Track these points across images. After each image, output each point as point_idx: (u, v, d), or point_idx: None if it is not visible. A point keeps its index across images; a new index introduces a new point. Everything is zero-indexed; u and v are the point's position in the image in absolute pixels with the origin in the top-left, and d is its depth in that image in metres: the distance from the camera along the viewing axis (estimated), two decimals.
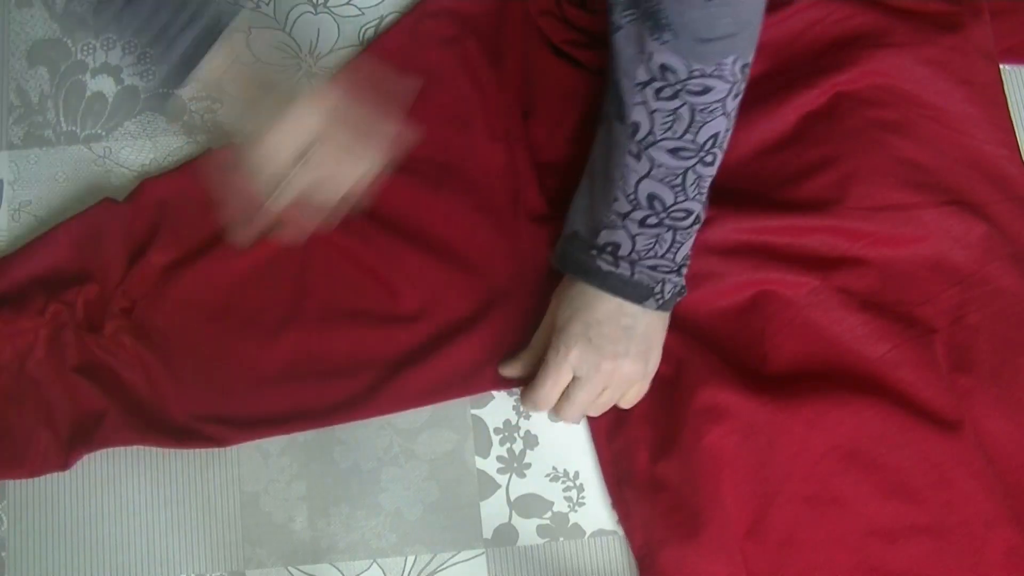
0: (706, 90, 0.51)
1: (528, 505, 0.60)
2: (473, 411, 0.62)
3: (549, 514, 0.60)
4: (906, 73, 0.64)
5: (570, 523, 0.60)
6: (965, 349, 0.60)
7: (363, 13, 0.70)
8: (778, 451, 0.57)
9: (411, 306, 0.62)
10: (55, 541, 0.60)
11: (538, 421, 0.62)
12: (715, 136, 0.53)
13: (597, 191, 0.57)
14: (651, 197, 0.54)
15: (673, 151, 0.53)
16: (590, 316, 0.55)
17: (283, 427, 0.60)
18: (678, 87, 0.51)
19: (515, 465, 0.61)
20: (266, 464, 0.61)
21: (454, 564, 0.59)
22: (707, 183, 0.55)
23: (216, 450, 0.61)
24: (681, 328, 0.60)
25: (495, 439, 0.62)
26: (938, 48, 0.65)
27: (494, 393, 0.62)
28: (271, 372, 0.61)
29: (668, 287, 0.55)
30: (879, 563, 0.56)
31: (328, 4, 0.70)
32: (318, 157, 0.53)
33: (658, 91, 0.52)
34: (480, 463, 0.61)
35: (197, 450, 0.61)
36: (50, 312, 0.61)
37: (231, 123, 0.54)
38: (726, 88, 0.51)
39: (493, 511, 0.60)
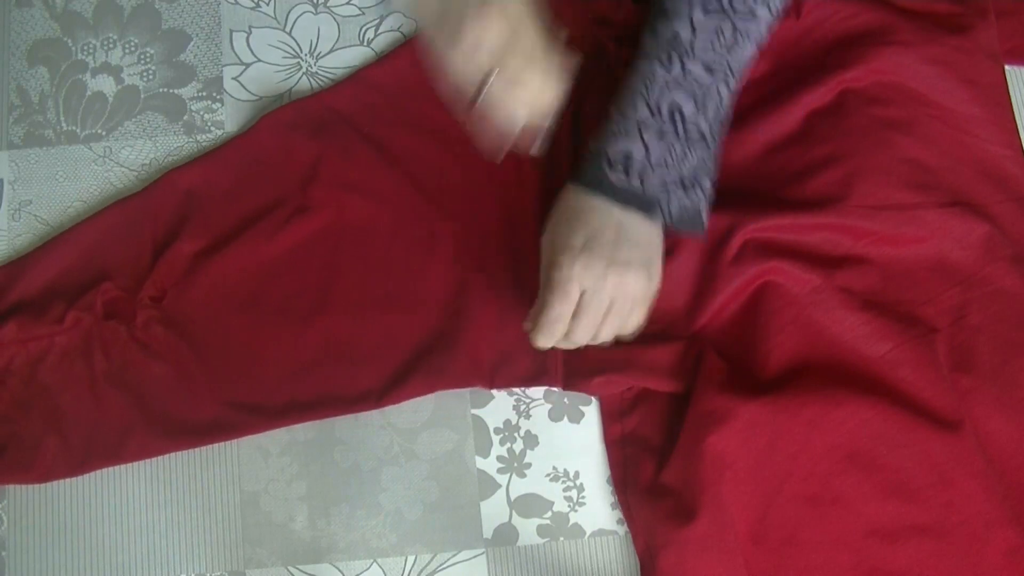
0: (750, 14, 0.56)
1: (528, 505, 0.60)
2: (473, 411, 0.62)
3: (549, 514, 0.60)
4: (912, 72, 0.64)
5: (570, 523, 0.60)
6: (966, 349, 0.60)
7: (363, 13, 0.70)
8: (778, 451, 0.57)
9: (442, 290, 0.62)
10: (55, 541, 0.60)
11: (538, 421, 0.62)
12: (744, 60, 0.56)
13: (619, 106, 0.57)
14: (672, 107, 0.55)
15: (706, 65, 0.55)
16: (589, 228, 0.54)
17: (313, 413, 0.61)
18: (726, 4, 0.55)
19: (515, 465, 0.61)
20: (266, 464, 0.61)
21: (454, 564, 0.59)
22: (725, 106, 0.57)
23: (216, 450, 0.61)
24: (689, 335, 0.60)
25: (495, 439, 0.62)
26: (944, 48, 0.65)
27: (494, 393, 0.62)
28: (302, 358, 0.61)
29: (675, 202, 0.55)
30: (879, 563, 0.56)
31: (328, 4, 0.70)
32: (511, 63, 0.51)
33: (705, 5, 0.55)
34: (480, 463, 0.61)
35: (197, 450, 0.61)
36: (70, 319, 0.61)
37: (425, 22, 0.52)
38: (767, 18, 0.56)
39: (493, 511, 0.60)
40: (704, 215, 0.56)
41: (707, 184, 0.56)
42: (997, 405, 0.59)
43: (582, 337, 0.55)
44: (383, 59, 0.68)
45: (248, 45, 0.69)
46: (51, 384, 0.60)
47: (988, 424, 0.58)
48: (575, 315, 0.54)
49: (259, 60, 0.69)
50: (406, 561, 0.59)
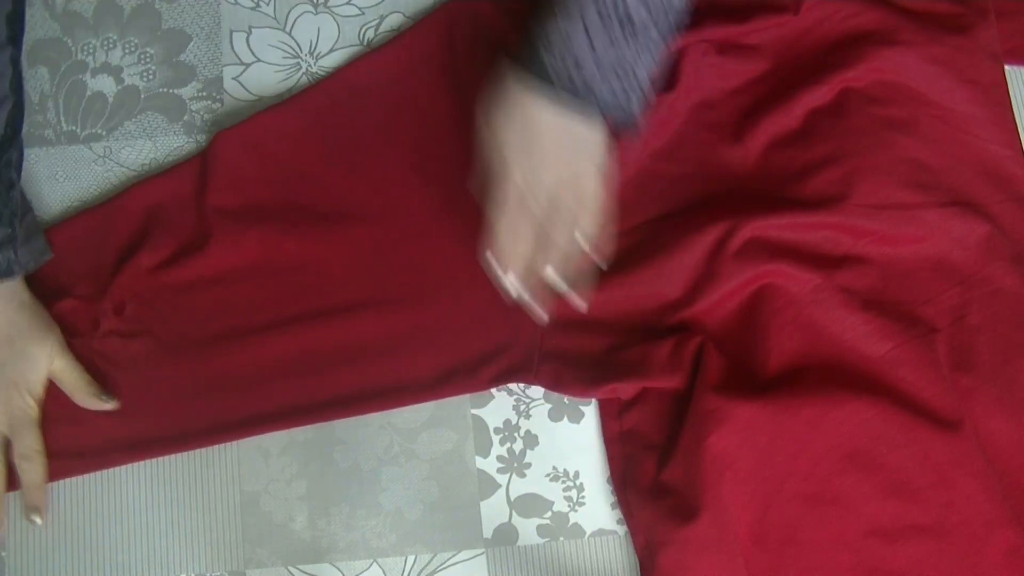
0: None
1: (528, 505, 0.60)
2: (473, 411, 0.62)
3: (549, 514, 0.60)
4: (913, 71, 0.64)
5: (570, 523, 0.60)
6: (966, 349, 0.60)
7: (363, 13, 0.70)
8: (778, 451, 0.57)
9: (411, 296, 0.62)
10: (55, 541, 0.60)
11: (538, 421, 0.62)
12: None
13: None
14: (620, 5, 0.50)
15: None
16: (528, 121, 0.52)
17: (281, 423, 0.60)
18: None
19: (515, 465, 0.61)
20: (266, 464, 0.61)
21: (454, 564, 0.59)
22: (675, 14, 0.52)
23: (216, 450, 0.61)
24: (690, 334, 0.60)
25: (495, 439, 0.62)
26: (945, 47, 0.65)
27: (494, 393, 0.62)
28: (268, 368, 0.61)
29: (606, 88, 0.52)
30: (879, 563, 0.56)
31: (328, 4, 0.70)
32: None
33: None
34: (480, 463, 0.61)
35: (197, 450, 0.61)
36: None
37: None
38: None
39: (493, 511, 0.60)
40: (637, 109, 0.53)
41: (644, 77, 0.53)
42: (997, 405, 0.59)
43: (539, 244, 0.53)
44: (356, 60, 0.68)
45: (248, 45, 0.69)
46: None
47: (988, 424, 0.58)
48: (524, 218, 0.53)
49: (259, 60, 0.69)
50: (406, 561, 0.59)
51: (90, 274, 0.63)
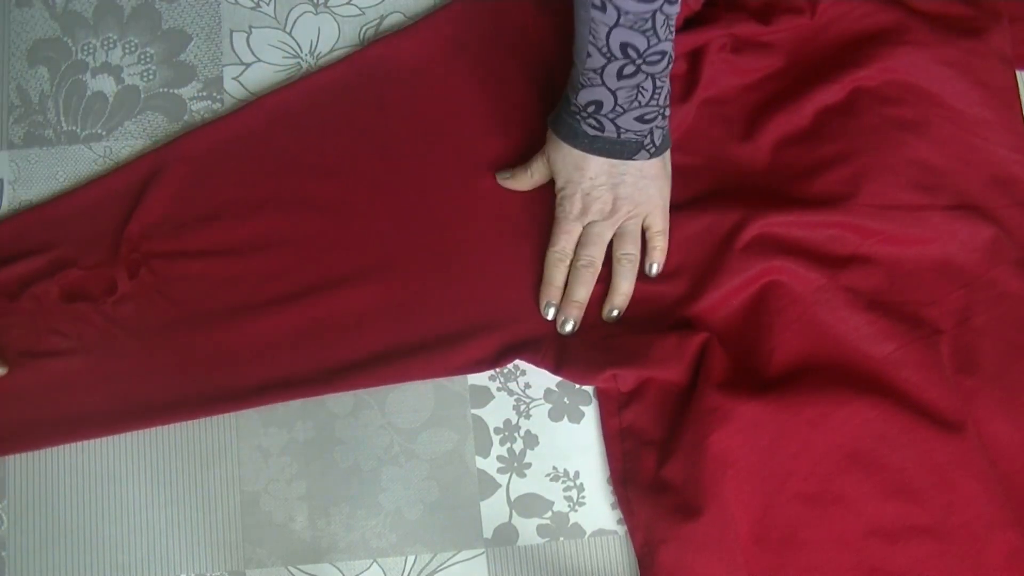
0: None
1: (528, 505, 0.60)
2: (473, 411, 0.62)
3: (549, 514, 0.60)
4: (924, 72, 0.64)
5: (570, 523, 0.60)
6: (970, 351, 0.60)
7: (363, 13, 0.70)
8: (780, 450, 0.57)
9: (421, 268, 0.63)
10: (55, 541, 0.60)
11: (539, 421, 0.62)
12: None
13: (574, 54, 0.56)
14: (624, 46, 0.52)
15: None
16: (583, 176, 0.60)
17: (289, 393, 0.61)
18: None
19: (515, 465, 0.61)
20: (266, 464, 0.61)
21: (454, 564, 0.59)
22: (674, 21, 0.53)
23: (216, 450, 0.61)
24: (694, 331, 0.60)
25: (495, 439, 0.62)
26: (956, 49, 0.65)
27: (494, 392, 0.62)
28: (278, 338, 0.61)
29: (657, 134, 0.58)
30: (880, 563, 0.56)
31: (329, 4, 0.70)
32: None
33: None
34: (480, 463, 0.61)
35: (197, 450, 0.61)
36: (25, 299, 0.62)
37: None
38: None
39: (493, 511, 0.60)
40: (662, 129, 0.59)
41: (664, 97, 0.57)
42: (1000, 407, 0.59)
43: (597, 252, 0.61)
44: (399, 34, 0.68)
45: (248, 45, 0.69)
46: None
47: (991, 426, 0.58)
48: (582, 243, 0.61)
49: (259, 60, 0.69)
50: (406, 561, 0.59)
51: (96, 243, 0.63)
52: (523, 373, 0.63)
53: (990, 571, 0.56)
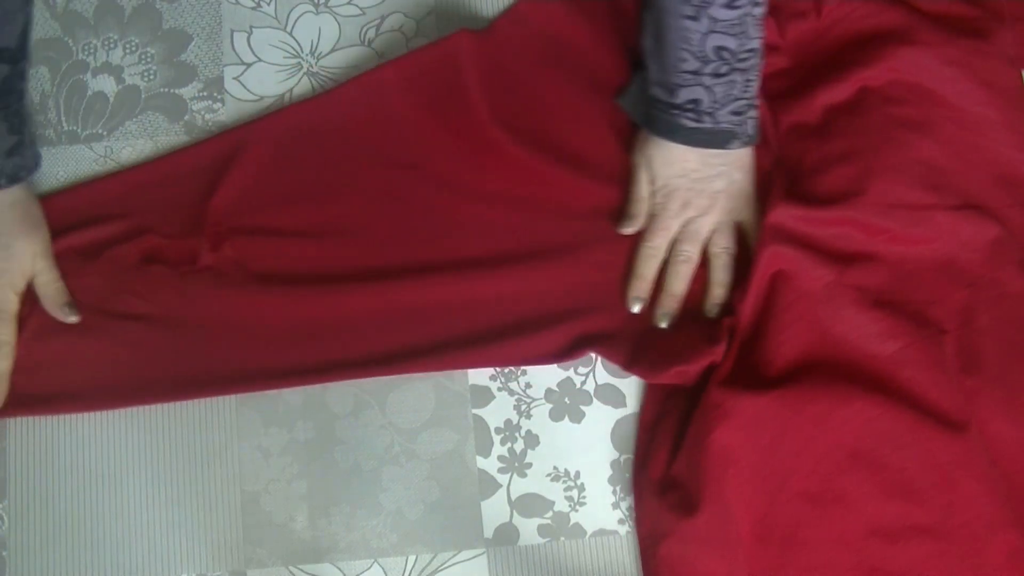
0: None
1: (529, 505, 0.60)
2: (474, 411, 0.62)
3: (550, 514, 0.60)
4: (929, 71, 0.65)
5: (571, 523, 0.60)
6: (973, 352, 0.60)
7: (364, 13, 0.70)
8: (782, 448, 0.57)
9: (500, 257, 0.63)
10: (55, 540, 0.60)
11: (539, 421, 0.62)
12: None
13: (663, 57, 0.59)
14: (718, 49, 0.56)
15: (728, 4, 0.55)
16: (684, 171, 0.61)
17: (363, 371, 0.61)
18: None
19: (516, 465, 0.61)
20: (267, 463, 0.61)
21: (455, 564, 0.59)
22: (761, 19, 0.57)
23: (217, 450, 0.61)
24: (708, 329, 0.60)
25: (496, 439, 0.62)
26: (961, 49, 0.65)
27: (495, 392, 0.62)
28: (356, 317, 0.62)
29: (750, 124, 0.60)
30: (880, 563, 0.56)
31: (329, 4, 0.70)
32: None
33: None
34: (481, 463, 0.61)
35: (198, 450, 0.61)
36: (103, 261, 0.62)
37: None
38: None
39: (494, 511, 0.60)
40: (753, 121, 0.61)
41: (753, 91, 0.60)
42: (1003, 408, 0.59)
43: (695, 248, 0.62)
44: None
45: (249, 45, 0.69)
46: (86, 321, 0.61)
47: (993, 427, 0.58)
48: (680, 239, 0.62)
49: (260, 60, 0.69)
50: (407, 561, 0.59)
51: (176, 213, 0.64)
52: (524, 373, 0.63)
53: (990, 571, 0.56)
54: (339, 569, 0.59)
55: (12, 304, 0.60)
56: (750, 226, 0.63)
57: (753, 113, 0.60)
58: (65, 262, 0.62)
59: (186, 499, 0.60)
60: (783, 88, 0.66)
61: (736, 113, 0.59)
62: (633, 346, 0.61)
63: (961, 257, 0.62)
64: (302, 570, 0.59)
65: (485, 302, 0.62)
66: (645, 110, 0.63)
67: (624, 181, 0.65)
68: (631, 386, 0.63)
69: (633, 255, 0.63)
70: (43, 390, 0.60)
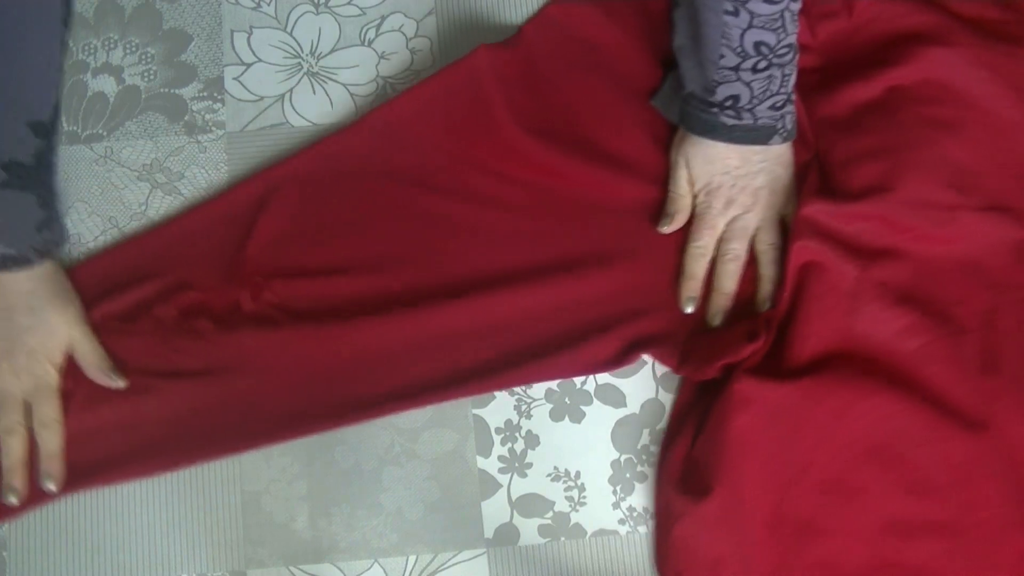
0: None
1: (529, 505, 0.60)
2: (474, 411, 0.62)
3: (550, 514, 0.60)
4: (960, 73, 0.64)
5: (571, 523, 0.60)
6: (994, 352, 0.60)
7: (364, 13, 0.70)
8: (801, 439, 0.57)
9: (544, 272, 0.63)
10: (56, 541, 0.60)
11: (540, 421, 0.62)
12: None
13: (701, 54, 0.59)
14: (757, 44, 0.57)
15: None
16: (726, 168, 0.62)
17: (418, 400, 0.60)
18: None
19: (516, 465, 0.61)
20: (267, 464, 0.61)
21: (455, 564, 0.59)
22: (797, 14, 0.58)
23: None
24: (749, 323, 0.60)
25: (496, 439, 0.62)
26: (992, 52, 0.65)
27: (495, 392, 0.62)
28: (402, 347, 0.61)
29: (788, 119, 0.61)
30: (894, 558, 0.56)
31: (329, 4, 0.70)
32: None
33: None
34: (481, 463, 0.61)
35: None
36: (146, 322, 0.61)
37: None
38: None
39: (494, 511, 0.60)
40: (791, 116, 0.62)
41: (790, 85, 0.60)
42: (1022, 410, 0.59)
43: (742, 242, 0.62)
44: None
45: (249, 45, 0.69)
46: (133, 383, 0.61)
47: (1012, 428, 0.58)
48: (726, 237, 0.63)
49: (260, 60, 0.69)
50: (407, 561, 0.59)
51: (211, 266, 0.63)
52: None
53: (1003, 571, 0.56)
54: (339, 569, 0.59)
55: (53, 378, 0.59)
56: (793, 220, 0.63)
57: (791, 108, 0.61)
58: (106, 329, 0.61)
59: (186, 499, 0.60)
60: (814, 83, 0.66)
61: (775, 108, 0.60)
62: (682, 347, 0.61)
63: (985, 258, 0.62)
64: (303, 570, 0.59)
65: (537, 315, 0.62)
66: (679, 108, 0.63)
67: (665, 182, 0.65)
68: (631, 386, 0.63)
69: (682, 255, 0.63)
70: (100, 458, 0.59)
